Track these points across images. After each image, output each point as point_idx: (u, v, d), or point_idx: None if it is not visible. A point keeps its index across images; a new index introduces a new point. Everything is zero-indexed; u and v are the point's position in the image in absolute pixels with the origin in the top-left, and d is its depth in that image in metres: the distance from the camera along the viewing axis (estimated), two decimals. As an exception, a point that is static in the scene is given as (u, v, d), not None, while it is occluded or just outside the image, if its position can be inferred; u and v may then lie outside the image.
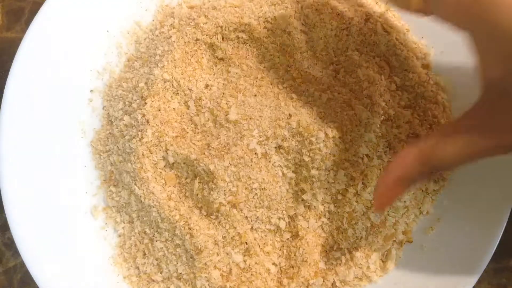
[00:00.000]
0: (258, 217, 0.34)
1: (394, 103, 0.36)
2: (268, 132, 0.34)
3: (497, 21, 0.21)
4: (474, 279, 0.33)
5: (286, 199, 0.34)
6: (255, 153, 0.33)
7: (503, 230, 0.33)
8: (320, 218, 0.35)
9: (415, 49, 0.39)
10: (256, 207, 0.34)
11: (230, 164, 0.33)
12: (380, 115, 0.34)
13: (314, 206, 0.34)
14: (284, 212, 0.34)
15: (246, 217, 0.34)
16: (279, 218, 0.34)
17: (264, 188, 0.34)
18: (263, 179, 0.33)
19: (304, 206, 0.34)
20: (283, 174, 0.34)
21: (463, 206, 0.35)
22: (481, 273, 0.33)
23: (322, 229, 0.35)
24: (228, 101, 0.36)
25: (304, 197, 0.34)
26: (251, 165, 0.33)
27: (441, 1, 0.23)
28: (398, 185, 0.25)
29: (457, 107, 0.37)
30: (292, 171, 0.34)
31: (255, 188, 0.33)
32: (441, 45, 0.38)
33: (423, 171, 0.24)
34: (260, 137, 0.34)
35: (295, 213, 0.34)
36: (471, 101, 0.37)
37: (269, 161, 0.34)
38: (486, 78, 0.22)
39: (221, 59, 0.38)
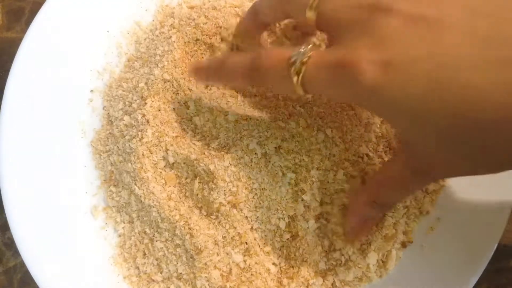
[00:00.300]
0: (258, 217, 0.34)
1: None
2: (267, 132, 0.34)
3: (369, 93, 0.21)
4: (474, 279, 0.33)
5: (286, 199, 0.34)
6: (255, 153, 0.33)
7: (503, 230, 0.33)
8: (319, 218, 0.35)
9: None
10: (256, 207, 0.34)
11: (230, 164, 0.33)
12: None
13: (314, 207, 0.34)
14: (284, 212, 0.34)
15: (246, 217, 0.34)
16: (279, 218, 0.34)
17: (264, 188, 0.34)
18: (263, 179, 0.33)
19: (304, 206, 0.34)
20: (283, 174, 0.34)
21: (463, 206, 0.35)
22: (481, 273, 0.33)
23: (322, 229, 0.35)
24: (228, 101, 0.36)
25: (304, 197, 0.34)
26: (251, 165, 0.33)
27: (312, 88, 0.24)
28: (362, 225, 0.31)
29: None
30: (292, 171, 0.34)
31: (255, 188, 0.33)
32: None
33: (377, 212, 0.30)
34: (260, 137, 0.34)
35: (294, 213, 0.34)
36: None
37: (269, 161, 0.34)
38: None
39: None
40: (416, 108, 0.20)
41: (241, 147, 0.34)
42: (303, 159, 0.33)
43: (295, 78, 0.24)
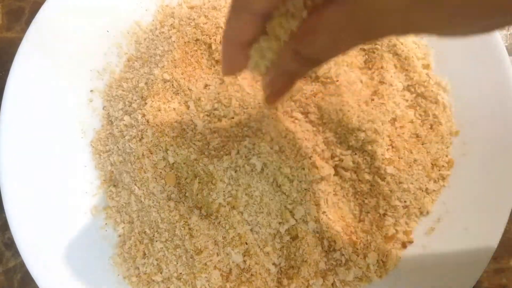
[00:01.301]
0: (258, 221, 0.34)
1: (402, 104, 0.36)
2: (269, 145, 0.34)
3: None
4: (474, 279, 0.33)
5: (285, 206, 0.34)
6: (255, 165, 0.33)
7: (503, 231, 0.33)
8: (318, 220, 0.35)
9: (415, 49, 0.38)
10: (256, 212, 0.34)
11: (229, 167, 0.33)
12: (389, 114, 0.35)
13: (312, 212, 0.34)
14: (283, 218, 0.34)
15: (246, 220, 0.34)
16: (279, 223, 0.34)
17: (264, 196, 0.34)
18: (263, 188, 0.33)
19: (302, 214, 0.34)
20: (283, 184, 0.34)
21: (463, 206, 0.35)
22: (481, 273, 0.33)
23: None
24: (229, 101, 0.36)
25: (299, 208, 0.34)
26: (251, 175, 0.33)
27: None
28: (283, 81, 0.25)
29: (457, 106, 0.37)
30: (290, 181, 0.34)
31: (255, 196, 0.33)
32: (441, 45, 0.38)
33: (300, 66, 0.24)
34: (260, 150, 0.34)
35: (296, 222, 0.34)
36: (472, 101, 0.37)
37: (268, 175, 0.34)
38: None
39: (218, 61, 0.38)
40: None
41: (240, 156, 0.34)
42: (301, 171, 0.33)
43: None
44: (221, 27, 0.38)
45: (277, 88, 0.26)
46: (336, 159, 0.35)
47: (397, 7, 0.17)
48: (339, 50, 0.23)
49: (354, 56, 0.38)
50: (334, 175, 0.35)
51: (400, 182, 0.35)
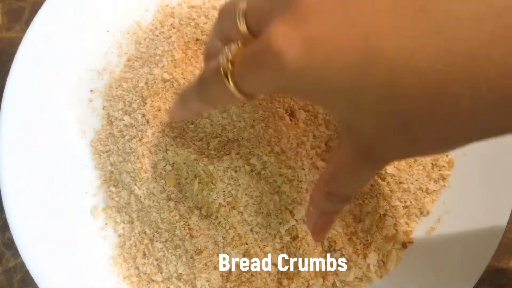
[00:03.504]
0: (258, 222, 0.34)
1: None
2: (269, 147, 0.34)
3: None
4: (474, 280, 0.33)
5: (285, 206, 0.34)
6: (255, 166, 0.33)
7: (503, 231, 0.33)
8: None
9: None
10: (256, 212, 0.34)
11: (229, 167, 0.33)
12: None
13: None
14: (283, 218, 0.34)
15: (246, 220, 0.34)
16: (279, 223, 0.34)
17: (263, 197, 0.34)
18: (263, 188, 0.33)
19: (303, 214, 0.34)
20: (282, 185, 0.34)
21: (464, 206, 0.35)
22: (481, 273, 0.33)
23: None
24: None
25: (300, 208, 0.34)
26: (251, 175, 0.33)
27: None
28: (324, 220, 0.27)
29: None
30: (289, 180, 0.34)
31: (256, 196, 0.33)
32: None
33: (335, 204, 0.26)
34: (260, 152, 0.34)
35: (296, 223, 0.34)
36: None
37: (267, 175, 0.34)
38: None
39: None
40: (345, 85, 0.18)
41: (240, 156, 0.33)
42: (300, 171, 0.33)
43: (226, 81, 0.21)
44: (221, 27, 0.38)
45: (321, 227, 0.27)
46: (336, 159, 0.35)
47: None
48: (362, 182, 0.25)
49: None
50: (334, 175, 0.35)
51: (400, 182, 0.35)
